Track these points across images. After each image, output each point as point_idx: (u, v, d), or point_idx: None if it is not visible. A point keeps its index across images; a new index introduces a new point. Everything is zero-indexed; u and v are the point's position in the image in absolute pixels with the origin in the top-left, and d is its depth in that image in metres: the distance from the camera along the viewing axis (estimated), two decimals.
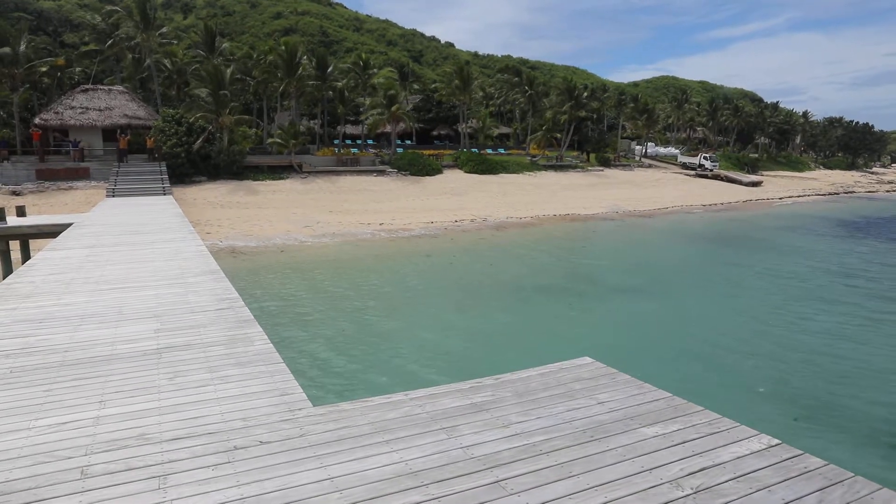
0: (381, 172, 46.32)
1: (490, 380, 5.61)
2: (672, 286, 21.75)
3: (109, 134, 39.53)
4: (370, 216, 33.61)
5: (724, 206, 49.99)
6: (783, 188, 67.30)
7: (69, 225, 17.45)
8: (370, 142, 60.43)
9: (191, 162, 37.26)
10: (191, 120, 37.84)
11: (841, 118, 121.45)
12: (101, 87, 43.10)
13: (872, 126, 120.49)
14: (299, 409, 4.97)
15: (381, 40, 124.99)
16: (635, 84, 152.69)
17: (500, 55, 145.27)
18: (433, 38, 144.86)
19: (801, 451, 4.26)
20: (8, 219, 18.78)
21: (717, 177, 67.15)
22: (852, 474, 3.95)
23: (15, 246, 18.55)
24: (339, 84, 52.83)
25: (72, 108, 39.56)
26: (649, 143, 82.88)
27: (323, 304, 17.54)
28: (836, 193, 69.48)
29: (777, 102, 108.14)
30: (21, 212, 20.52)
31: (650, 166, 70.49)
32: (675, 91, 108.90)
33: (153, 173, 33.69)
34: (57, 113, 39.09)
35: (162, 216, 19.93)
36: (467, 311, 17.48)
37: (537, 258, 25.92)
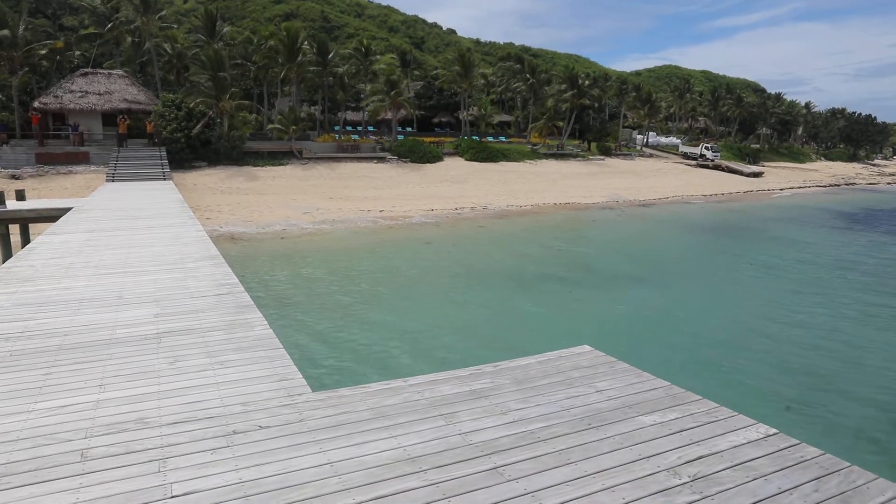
0: (382, 159, 46.15)
1: (489, 367, 5.63)
2: (671, 276, 21.78)
3: (109, 118, 39.33)
4: (370, 203, 33.55)
5: (724, 197, 49.87)
6: (784, 179, 67.11)
7: (69, 209, 17.42)
8: (371, 128, 60.12)
9: (191, 147, 37.13)
10: (191, 105, 37.63)
11: (843, 109, 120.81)
12: (101, 70, 42.84)
13: (875, 118, 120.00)
14: (298, 395, 4.99)
15: (383, 26, 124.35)
16: (638, 73, 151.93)
17: (502, 42, 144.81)
18: (435, 25, 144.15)
19: (797, 441, 4.28)
20: (7, 203, 18.74)
21: (718, 167, 66.81)
22: (848, 464, 3.97)
23: (14, 230, 18.54)
24: (340, 70, 52.54)
25: (71, 91, 39.35)
26: (651, 133, 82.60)
27: (322, 291, 17.57)
28: (836, 185, 69.30)
29: (780, 93, 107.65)
30: (20, 196, 20.49)
31: (651, 156, 70.25)
32: (678, 80, 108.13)
33: (153, 158, 33.57)
34: (56, 97, 38.88)
35: (162, 201, 19.90)
36: (467, 298, 17.51)
37: (537, 246, 25.91)
